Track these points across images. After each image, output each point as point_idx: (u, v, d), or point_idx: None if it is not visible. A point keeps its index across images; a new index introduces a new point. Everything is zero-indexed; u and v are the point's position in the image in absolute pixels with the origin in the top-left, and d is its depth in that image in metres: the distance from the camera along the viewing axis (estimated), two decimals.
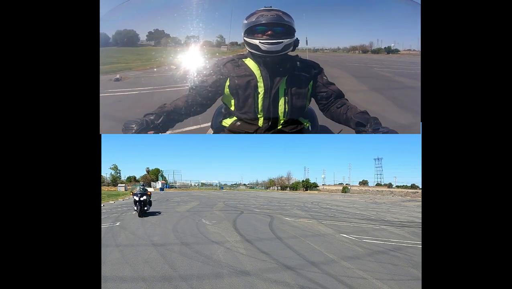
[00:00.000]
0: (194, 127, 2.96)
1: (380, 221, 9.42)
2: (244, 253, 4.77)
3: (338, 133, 2.88)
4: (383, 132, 2.20)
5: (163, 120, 2.39)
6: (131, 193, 10.64)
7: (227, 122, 2.69)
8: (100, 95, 2.30)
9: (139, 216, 9.15)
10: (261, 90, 2.51)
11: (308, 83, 2.60)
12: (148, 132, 2.30)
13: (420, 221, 7.24)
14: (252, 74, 2.51)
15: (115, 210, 11.69)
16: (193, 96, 2.54)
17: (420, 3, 2.23)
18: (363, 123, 2.31)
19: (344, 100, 2.61)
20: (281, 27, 2.39)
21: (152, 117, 2.36)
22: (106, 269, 3.79)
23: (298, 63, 2.60)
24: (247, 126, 2.60)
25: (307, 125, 2.81)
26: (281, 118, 2.58)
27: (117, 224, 7.76)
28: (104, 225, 7.40)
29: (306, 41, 3.11)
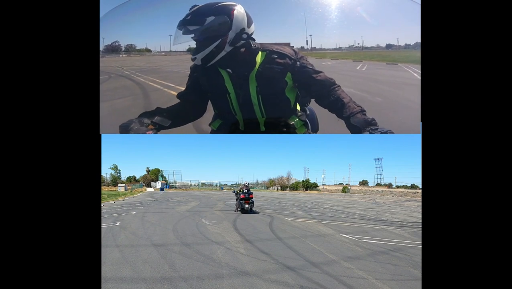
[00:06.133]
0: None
1: (380, 221, 9.42)
2: (244, 253, 4.76)
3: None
4: (381, 133, 2.11)
5: (159, 120, 2.31)
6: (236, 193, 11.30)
7: (214, 125, 2.65)
8: (100, 95, 2.30)
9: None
10: (231, 90, 2.36)
11: (283, 76, 2.35)
12: (147, 132, 2.25)
13: (420, 221, 7.25)
14: (219, 74, 2.35)
15: (115, 210, 11.69)
16: (180, 104, 2.48)
17: (420, 3, 2.23)
18: (360, 128, 2.18)
19: (336, 88, 2.38)
20: (195, 35, 2.18)
21: (148, 117, 2.28)
22: (106, 269, 3.79)
23: (267, 54, 2.32)
24: (230, 128, 2.50)
25: (299, 125, 2.56)
26: (260, 119, 2.42)
27: (117, 224, 7.76)
28: (104, 225, 7.40)
29: (307, 41, 3.10)
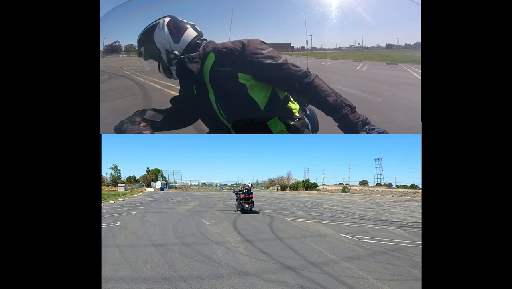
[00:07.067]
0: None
1: (380, 221, 9.42)
2: (244, 253, 4.77)
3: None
4: (378, 133, 1.98)
5: (149, 115, 2.28)
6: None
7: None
8: (100, 95, 2.30)
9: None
10: (199, 97, 2.28)
11: (235, 77, 2.06)
12: (144, 132, 2.22)
13: (420, 221, 7.25)
14: (191, 81, 2.28)
15: (115, 210, 11.70)
16: (173, 108, 2.44)
17: (420, 3, 2.23)
18: (354, 129, 2.02)
19: (311, 82, 2.04)
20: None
21: (139, 115, 2.27)
22: (106, 269, 3.79)
23: (215, 56, 2.10)
24: (212, 130, 2.45)
25: (280, 128, 2.23)
26: (225, 122, 2.24)
27: (117, 224, 7.77)
28: (104, 225, 7.40)
29: (307, 41, 3.10)
